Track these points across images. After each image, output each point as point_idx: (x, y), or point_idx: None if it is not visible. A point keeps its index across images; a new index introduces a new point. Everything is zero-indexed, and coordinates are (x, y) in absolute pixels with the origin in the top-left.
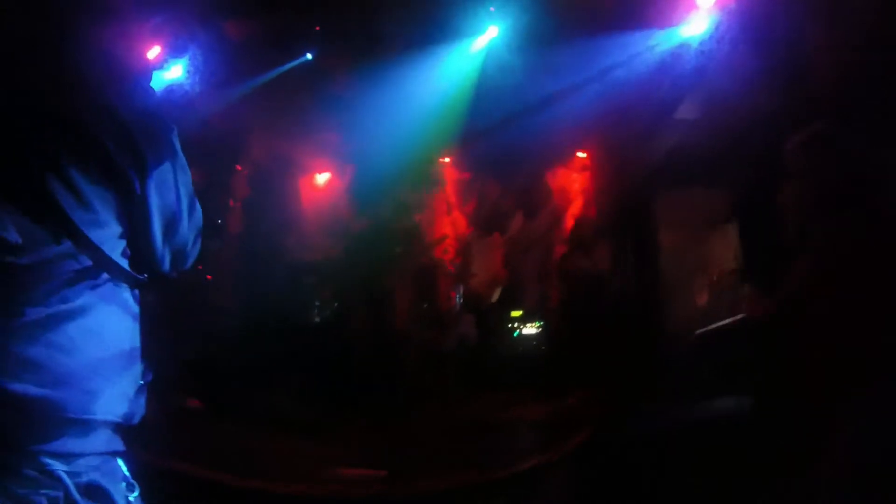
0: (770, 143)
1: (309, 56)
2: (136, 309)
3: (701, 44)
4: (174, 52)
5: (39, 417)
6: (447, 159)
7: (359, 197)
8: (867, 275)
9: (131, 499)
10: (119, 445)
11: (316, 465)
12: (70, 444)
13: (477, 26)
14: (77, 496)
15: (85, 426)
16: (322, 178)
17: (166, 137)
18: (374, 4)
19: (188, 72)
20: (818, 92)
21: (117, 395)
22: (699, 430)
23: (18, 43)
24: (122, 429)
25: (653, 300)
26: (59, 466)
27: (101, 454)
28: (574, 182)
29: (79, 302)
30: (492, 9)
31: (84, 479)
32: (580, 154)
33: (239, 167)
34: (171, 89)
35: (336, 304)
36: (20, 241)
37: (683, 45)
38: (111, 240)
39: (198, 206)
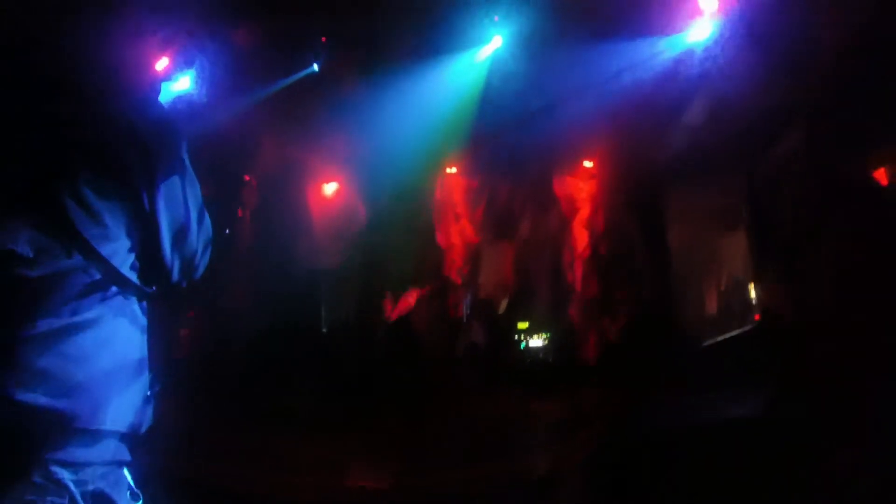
0: (777, 145)
1: (315, 67)
2: (144, 320)
3: (705, 49)
4: (183, 63)
5: (49, 426)
6: (454, 168)
7: (367, 205)
8: (880, 276)
9: None
10: (125, 455)
11: (329, 466)
12: (78, 453)
13: (482, 35)
14: None
15: (93, 436)
16: (330, 186)
17: (175, 151)
18: (379, 15)
19: (196, 83)
20: (821, 95)
21: (125, 406)
22: (711, 433)
23: (32, 60)
24: (129, 438)
25: (663, 304)
26: (65, 475)
27: (108, 463)
28: (581, 190)
29: (89, 314)
30: (496, 18)
31: (90, 487)
32: (587, 162)
33: (248, 177)
34: (179, 100)
35: (345, 311)
36: (32, 254)
37: (688, 52)
38: (121, 253)
39: (207, 217)
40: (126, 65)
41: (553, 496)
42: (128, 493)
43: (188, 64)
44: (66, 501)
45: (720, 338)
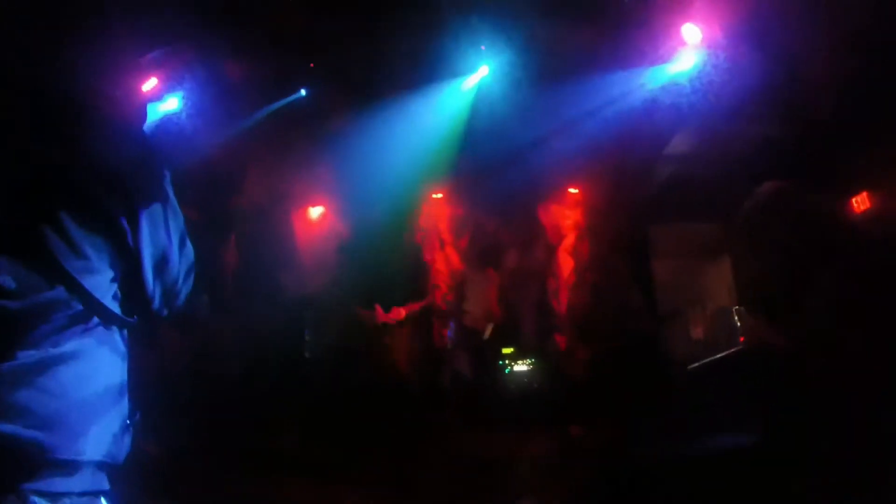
0: (761, 174)
1: (303, 92)
2: (125, 350)
3: (690, 80)
4: (170, 85)
5: (27, 458)
6: (440, 195)
7: (352, 232)
8: (869, 298)
9: None
10: (104, 484)
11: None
12: (57, 483)
13: (469, 65)
14: None
15: (72, 466)
16: (316, 212)
17: (158, 183)
18: (367, 42)
19: (184, 105)
20: (807, 123)
21: (104, 436)
22: (699, 462)
23: (11, 89)
24: (108, 468)
25: (648, 332)
26: None
27: (86, 493)
28: (566, 217)
29: (69, 346)
30: (483, 48)
31: None
32: (572, 190)
33: (233, 202)
34: (167, 121)
35: (329, 339)
36: (14, 286)
37: (673, 82)
38: (103, 285)
39: (189, 248)
40: (112, 94)
41: None
42: None
43: (176, 85)
44: None
45: (706, 360)
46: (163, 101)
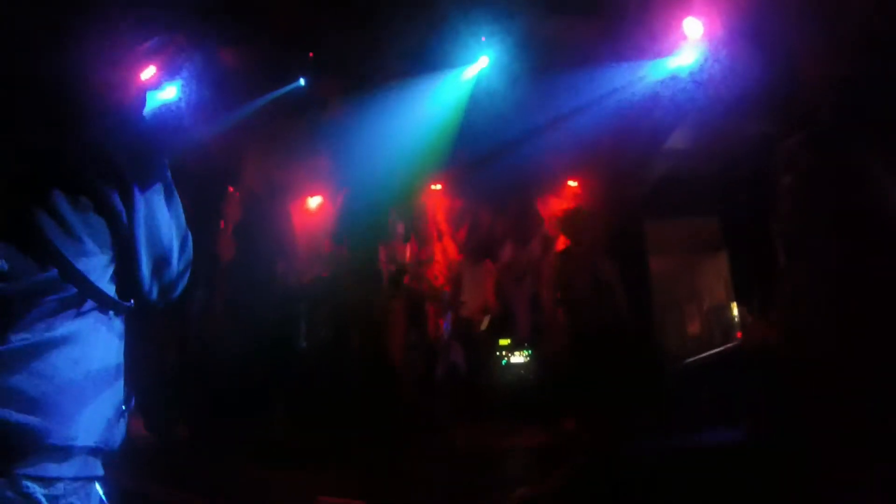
0: (760, 171)
1: (302, 82)
2: (121, 335)
3: (690, 74)
4: (169, 73)
5: (19, 442)
6: (438, 186)
7: (350, 222)
8: (865, 295)
9: None
10: (98, 470)
11: (301, 494)
12: (50, 468)
13: (468, 55)
14: None
15: (66, 451)
16: (314, 202)
17: (157, 168)
18: (366, 32)
19: (182, 94)
20: (807, 119)
21: (99, 421)
22: (693, 456)
23: (5, 74)
24: (102, 453)
25: (645, 327)
26: (37, 489)
27: (80, 478)
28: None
29: (63, 330)
30: (483, 38)
31: (61, 502)
32: (571, 183)
33: (231, 189)
34: (164, 110)
35: (325, 330)
36: (6, 268)
37: (673, 76)
38: (98, 269)
39: (189, 237)
40: (108, 82)
41: None
42: None
43: (175, 73)
44: None
45: (702, 355)
46: (161, 89)
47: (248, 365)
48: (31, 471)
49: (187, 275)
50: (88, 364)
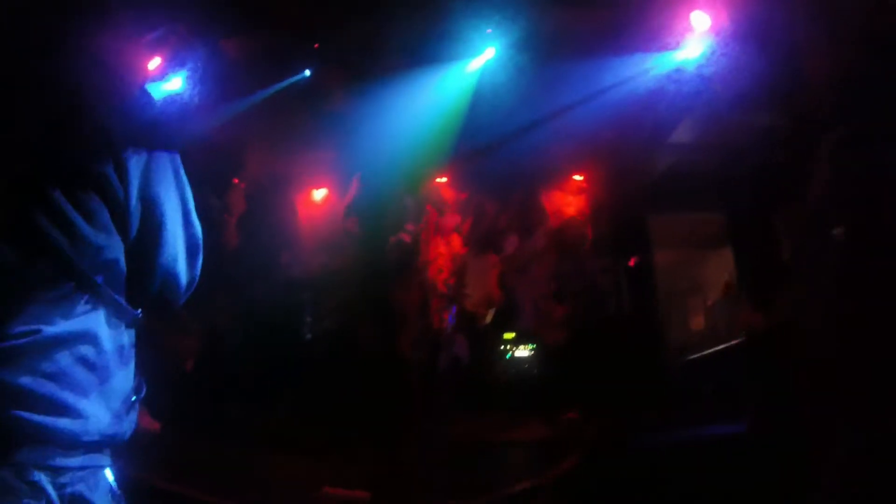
0: (764, 165)
1: (307, 73)
2: (125, 328)
3: (697, 67)
4: (174, 64)
5: (25, 435)
6: (444, 178)
7: (355, 213)
8: (870, 292)
9: None
10: (106, 459)
11: (305, 484)
12: (57, 458)
13: (474, 47)
14: None
15: (72, 443)
16: (319, 194)
17: (168, 161)
18: (372, 23)
19: (187, 85)
20: (814, 114)
21: (108, 414)
22: (695, 451)
23: (15, 63)
24: (111, 443)
25: (649, 321)
26: (43, 478)
27: (88, 467)
28: (570, 204)
29: (66, 325)
30: (489, 30)
31: (69, 490)
32: (576, 177)
33: (236, 181)
34: (169, 101)
35: (329, 321)
36: (4, 263)
37: (679, 69)
38: (101, 264)
39: (196, 226)
40: (117, 71)
41: None
42: (109, 495)
43: (180, 65)
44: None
45: (706, 352)
46: (166, 80)
47: (253, 355)
48: (36, 460)
49: (196, 266)
50: (93, 358)
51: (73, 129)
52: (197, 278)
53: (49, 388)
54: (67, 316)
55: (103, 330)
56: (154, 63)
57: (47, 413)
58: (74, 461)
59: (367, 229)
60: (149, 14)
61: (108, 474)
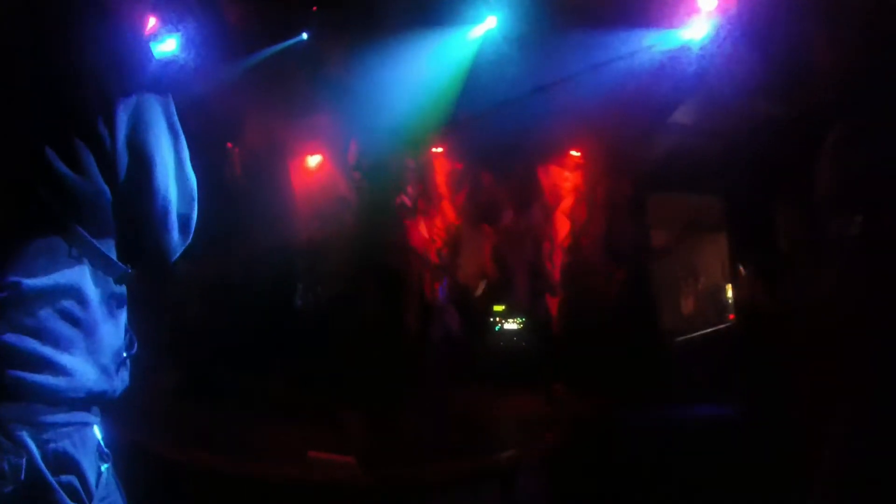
0: (766, 149)
1: (304, 36)
2: (114, 283)
3: (701, 48)
4: (169, 25)
5: (9, 394)
6: (440, 149)
7: (350, 180)
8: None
9: (103, 469)
10: (92, 417)
11: (290, 448)
12: (39, 414)
13: (476, 15)
14: (41, 465)
15: (55, 399)
16: (314, 159)
17: (160, 106)
18: None
19: (183, 46)
20: (818, 98)
21: (96, 370)
22: (681, 428)
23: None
24: (99, 401)
25: (641, 301)
26: (25, 434)
27: (73, 424)
28: (566, 179)
29: (52, 279)
30: None
31: (52, 447)
32: (574, 153)
33: (230, 146)
34: (164, 62)
35: (323, 288)
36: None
37: (683, 48)
38: (89, 217)
39: (189, 178)
40: (117, 15)
41: (516, 493)
42: (96, 453)
43: (175, 25)
44: (24, 461)
45: (695, 334)
46: (161, 41)
47: (245, 321)
48: (19, 416)
49: (191, 228)
50: (78, 314)
51: (56, 69)
52: (191, 235)
53: (31, 343)
54: (50, 269)
55: (89, 284)
56: (149, 23)
57: (29, 369)
58: (59, 418)
59: (363, 195)
60: None
61: (97, 432)
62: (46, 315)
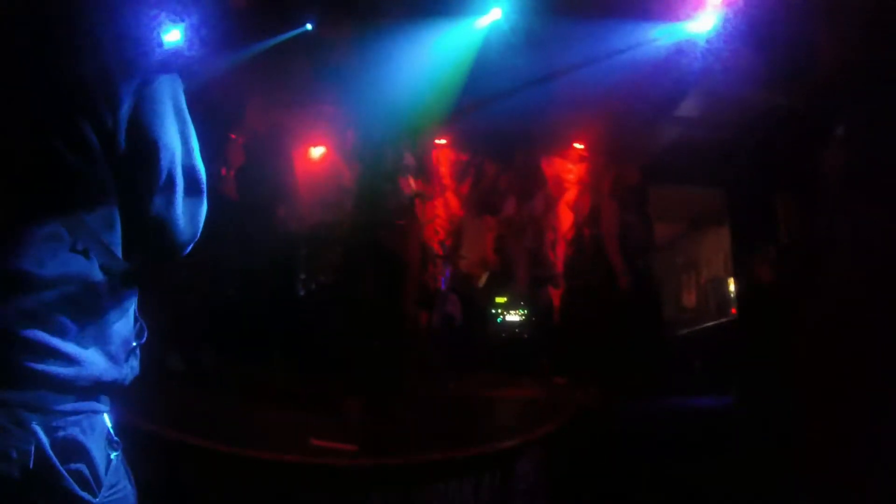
0: (769, 143)
1: (309, 26)
2: (119, 272)
3: (706, 41)
4: (172, 15)
5: (17, 381)
6: (443, 140)
7: (353, 169)
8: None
9: (112, 457)
10: (101, 404)
11: (293, 436)
12: (48, 400)
13: (482, 5)
14: (50, 452)
15: (63, 386)
16: (317, 149)
17: (167, 88)
18: None
19: (186, 36)
20: (821, 92)
21: (104, 359)
22: (679, 418)
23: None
24: (108, 388)
25: (643, 293)
26: (33, 420)
27: (82, 412)
28: (569, 171)
29: (58, 268)
30: None
31: (61, 434)
32: (577, 145)
33: (234, 135)
34: (171, 50)
35: (324, 275)
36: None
37: (688, 41)
38: (93, 205)
39: (199, 169)
40: (121, 19)
41: (516, 480)
42: (105, 440)
43: (179, 16)
44: (32, 447)
45: (697, 328)
46: (165, 31)
47: (246, 308)
48: (28, 403)
49: (200, 220)
50: (85, 303)
51: (60, 48)
52: (199, 228)
53: (38, 332)
54: (56, 258)
55: (96, 273)
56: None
57: (37, 358)
58: (67, 405)
59: (365, 184)
60: None
61: (106, 419)
62: (54, 304)
